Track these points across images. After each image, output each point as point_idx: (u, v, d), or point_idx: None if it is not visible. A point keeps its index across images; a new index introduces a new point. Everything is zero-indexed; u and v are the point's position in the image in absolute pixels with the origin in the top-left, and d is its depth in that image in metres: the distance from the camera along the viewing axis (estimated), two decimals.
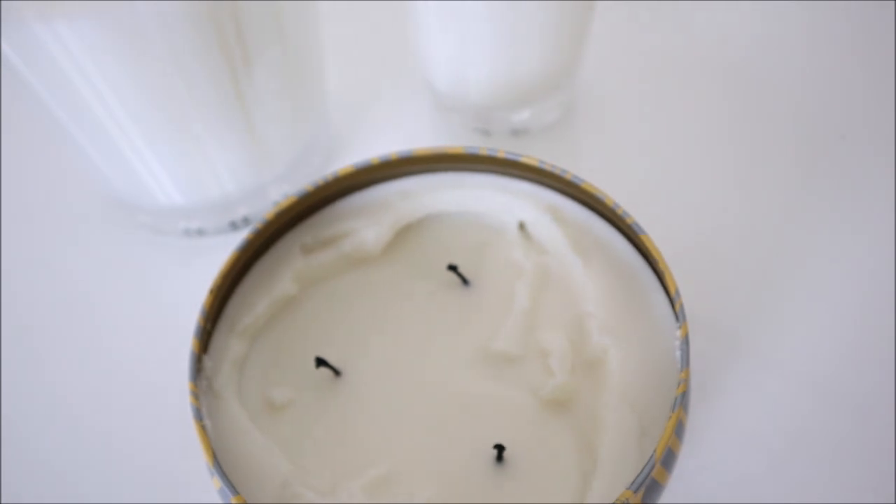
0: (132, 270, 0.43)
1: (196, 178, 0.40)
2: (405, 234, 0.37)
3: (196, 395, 0.29)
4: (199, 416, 0.28)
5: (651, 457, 0.26)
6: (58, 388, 0.39)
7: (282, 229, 0.36)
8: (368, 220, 0.36)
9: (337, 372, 0.33)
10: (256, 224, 0.34)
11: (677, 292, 0.30)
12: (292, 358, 0.34)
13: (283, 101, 0.40)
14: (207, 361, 0.32)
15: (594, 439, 0.30)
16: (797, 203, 0.44)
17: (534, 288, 0.35)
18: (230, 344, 0.33)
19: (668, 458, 0.27)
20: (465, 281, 0.36)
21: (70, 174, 0.48)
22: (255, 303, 0.34)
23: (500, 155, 0.36)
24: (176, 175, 0.40)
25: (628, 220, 0.33)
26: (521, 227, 0.37)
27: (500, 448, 0.30)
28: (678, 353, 0.29)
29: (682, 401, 0.27)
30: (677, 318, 0.30)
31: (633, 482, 0.26)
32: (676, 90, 0.50)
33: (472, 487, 0.30)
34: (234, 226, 0.43)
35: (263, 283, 0.35)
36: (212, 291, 0.32)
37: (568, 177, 0.35)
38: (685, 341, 0.29)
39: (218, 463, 0.27)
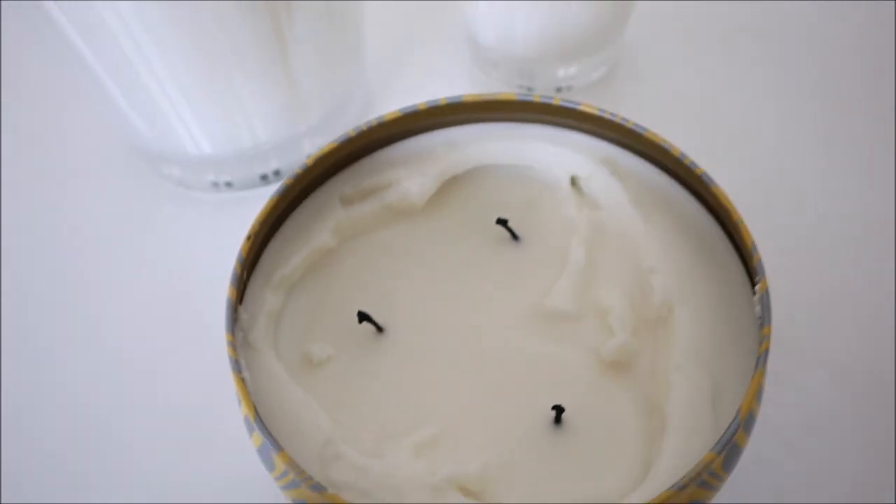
0: (157, 225, 0.42)
1: (228, 126, 0.38)
2: (450, 186, 0.35)
3: (234, 346, 0.27)
4: (237, 368, 0.26)
5: (735, 418, 0.24)
6: (80, 348, 0.38)
7: (321, 178, 0.34)
8: (412, 171, 0.34)
9: (380, 328, 0.31)
10: (296, 170, 0.32)
11: (754, 246, 0.28)
12: (331, 313, 0.32)
13: (321, 50, 0.38)
14: (243, 313, 0.30)
15: (661, 402, 0.28)
16: (860, 155, 0.42)
17: (589, 244, 0.33)
18: (265, 296, 0.31)
19: (749, 422, 0.25)
20: (514, 236, 0.33)
21: (93, 122, 0.45)
22: (291, 254, 0.32)
23: (556, 102, 0.34)
24: (207, 123, 0.37)
25: (697, 171, 0.31)
26: (574, 182, 0.34)
27: (558, 409, 0.28)
28: (758, 309, 0.27)
29: (764, 359, 0.25)
30: (756, 273, 0.27)
31: (717, 444, 0.24)
32: (723, 48, 0.48)
33: (528, 451, 0.28)
34: (264, 179, 0.41)
35: (301, 235, 0.33)
36: (249, 237, 0.29)
37: (629, 125, 0.32)
38: (766, 296, 0.27)
39: (259, 418, 0.25)
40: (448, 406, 0.29)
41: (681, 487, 0.23)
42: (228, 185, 0.41)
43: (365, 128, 0.33)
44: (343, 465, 0.27)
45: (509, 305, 0.31)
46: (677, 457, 0.26)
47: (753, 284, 0.28)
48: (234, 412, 0.29)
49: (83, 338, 0.38)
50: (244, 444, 0.29)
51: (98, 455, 0.35)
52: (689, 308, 0.29)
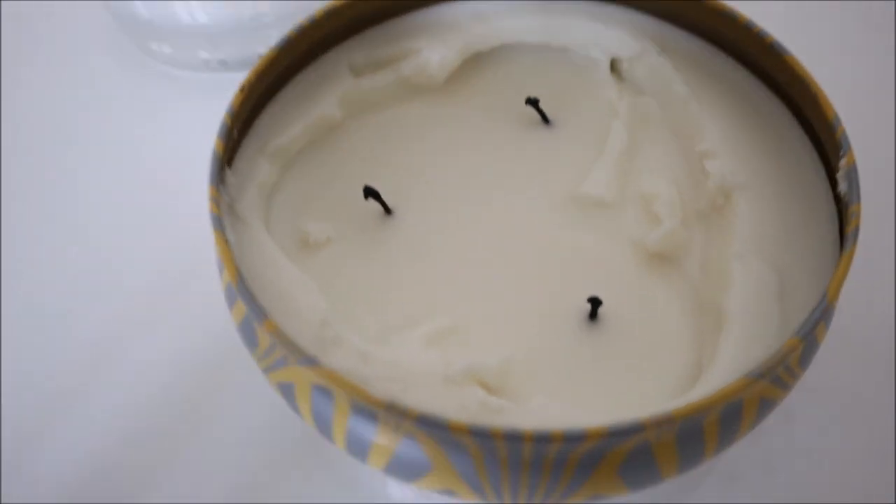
0: (144, 107, 0.37)
1: None
2: (475, 63, 0.31)
3: (217, 202, 0.23)
4: (220, 226, 0.22)
5: (822, 300, 0.20)
6: (58, 233, 0.34)
7: (329, 40, 0.30)
8: (433, 41, 0.30)
9: (388, 209, 0.27)
10: (301, 22, 0.27)
11: (837, 117, 0.24)
12: (333, 192, 0.28)
13: None
14: (231, 177, 0.25)
15: (717, 298, 0.24)
16: None
17: (632, 128, 0.29)
18: (259, 164, 0.27)
19: (830, 312, 0.21)
20: (545, 119, 0.29)
21: None
22: (290, 123, 0.28)
23: None
24: None
25: (767, 40, 0.26)
26: (614, 66, 0.30)
27: (594, 302, 0.24)
28: (844, 186, 0.23)
29: (855, 237, 0.21)
30: (840, 146, 0.23)
31: (800, 329, 0.19)
32: None
33: (558, 347, 0.24)
34: None
35: (303, 103, 0.29)
36: (242, 89, 0.25)
37: None
38: (853, 170, 0.22)
39: (243, 282, 0.21)
40: (466, 296, 0.25)
41: (758, 375, 0.19)
42: (223, 63, 0.37)
43: None
44: (342, 351, 0.23)
45: (539, 192, 0.28)
46: (735, 357, 0.22)
47: (830, 165, 0.24)
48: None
49: (64, 225, 0.35)
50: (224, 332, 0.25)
51: (66, 335, 0.31)
52: (749, 194, 0.26)
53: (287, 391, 0.21)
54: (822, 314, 0.20)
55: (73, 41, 0.40)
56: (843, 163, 0.23)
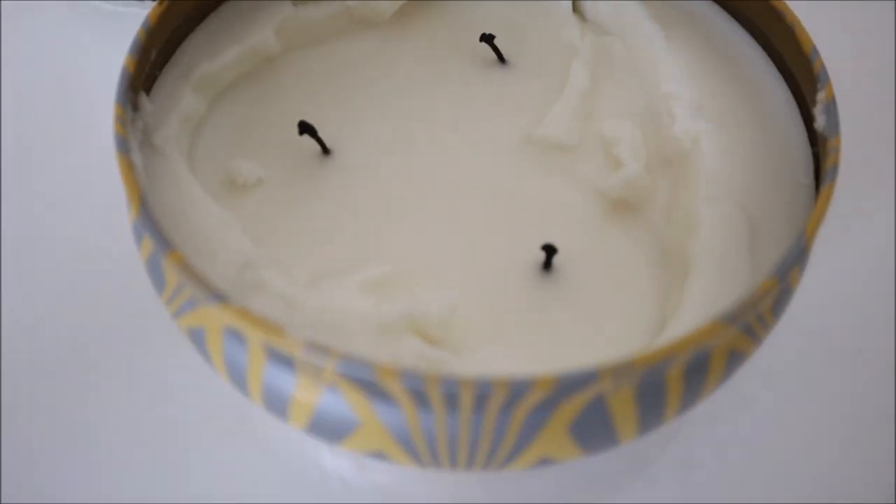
0: (41, 47, 0.34)
1: None
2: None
3: (122, 122, 0.20)
4: (124, 149, 0.19)
5: (798, 239, 0.18)
6: None
7: None
8: None
9: (326, 149, 0.24)
10: None
11: (815, 49, 0.22)
12: (267, 129, 0.25)
13: None
14: (147, 105, 0.23)
15: (682, 246, 0.22)
16: None
17: (594, 68, 0.27)
18: (183, 94, 0.24)
19: (804, 256, 0.19)
20: (501, 58, 0.27)
21: None
22: (221, 51, 0.26)
23: None
24: None
25: None
26: (575, 7, 0.28)
27: (549, 250, 0.21)
28: (822, 120, 0.21)
29: (833, 174, 0.19)
30: (818, 79, 0.21)
31: (776, 270, 0.17)
32: None
33: (510, 297, 0.22)
34: None
35: (235, 30, 0.26)
36: (161, 1, 0.22)
37: None
38: (833, 104, 0.20)
39: (148, 213, 0.18)
40: (409, 244, 0.23)
41: (731, 320, 0.16)
42: None
43: None
44: (264, 296, 0.20)
45: (493, 134, 0.26)
46: (701, 309, 0.20)
47: (805, 104, 0.23)
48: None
49: None
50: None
51: None
52: (718, 137, 0.24)
53: (197, 337, 0.19)
54: (798, 255, 0.18)
55: None
56: (821, 96, 0.21)
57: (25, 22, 0.36)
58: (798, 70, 0.23)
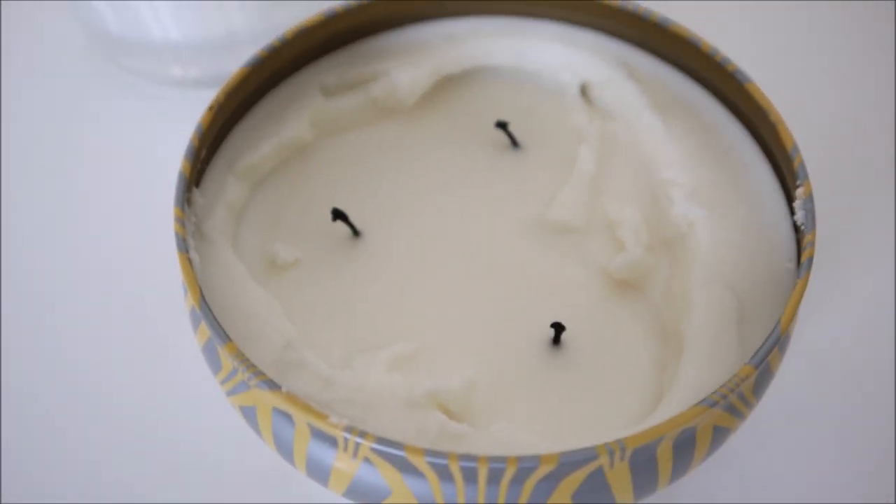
0: (114, 124, 0.37)
1: (200, 6, 0.33)
2: (445, 86, 0.31)
3: (182, 222, 0.23)
4: (183, 248, 0.22)
5: (774, 329, 0.20)
6: (31, 250, 0.34)
7: (301, 59, 0.30)
8: (404, 63, 0.30)
9: (356, 231, 0.27)
10: (273, 41, 0.27)
11: (795, 147, 0.24)
12: (302, 213, 0.28)
13: None
14: (199, 198, 0.26)
15: (678, 325, 0.24)
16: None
17: (599, 153, 0.29)
18: (227, 184, 0.27)
19: (785, 340, 0.21)
20: (515, 142, 0.30)
21: (47, 9, 0.41)
22: (260, 142, 0.28)
23: None
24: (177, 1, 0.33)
25: (729, 68, 0.27)
26: (584, 92, 0.30)
27: (558, 328, 0.24)
28: (801, 214, 0.23)
29: (808, 266, 0.21)
30: (797, 176, 0.24)
31: (754, 357, 0.20)
32: None
33: (522, 372, 0.24)
34: None
35: (273, 122, 0.29)
36: (211, 108, 0.25)
37: (654, 18, 0.28)
38: (809, 200, 0.23)
39: (206, 305, 0.21)
40: (431, 321, 0.25)
41: (711, 404, 0.19)
42: (196, 81, 0.37)
43: (355, 5, 0.29)
44: (304, 375, 0.23)
45: (507, 216, 0.28)
46: (695, 382, 0.22)
47: (789, 193, 0.25)
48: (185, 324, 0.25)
49: (32, 237, 0.34)
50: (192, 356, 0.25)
51: (32, 351, 0.31)
52: (712, 222, 0.26)
53: (249, 414, 0.21)
54: (775, 343, 0.20)
55: (43, 52, 0.40)
56: (799, 192, 0.24)
57: (73, 99, 0.39)
58: (782, 164, 0.25)
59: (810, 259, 0.21)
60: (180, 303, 0.26)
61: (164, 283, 0.29)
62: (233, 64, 0.35)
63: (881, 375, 0.30)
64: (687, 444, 0.20)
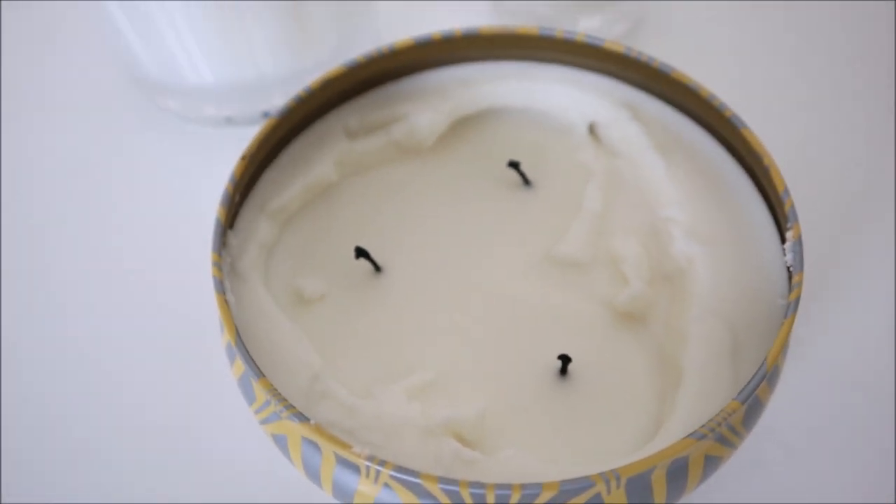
0: (153, 159, 0.40)
1: (232, 53, 0.36)
2: (461, 126, 0.33)
3: (219, 267, 0.25)
4: (221, 290, 0.24)
5: (761, 365, 0.22)
6: (73, 280, 0.36)
7: (325, 106, 0.32)
8: (422, 106, 0.32)
9: (378, 267, 0.29)
10: (299, 92, 0.30)
11: (786, 190, 0.26)
12: (327, 249, 0.30)
13: None
14: (232, 239, 0.28)
15: (677, 356, 0.26)
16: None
17: (605, 191, 0.31)
18: (259, 224, 0.29)
19: (774, 375, 0.23)
20: (526, 181, 0.31)
21: (89, 49, 0.44)
22: (289, 184, 0.30)
23: (580, 39, 0.31)
24: (210, 48, 0.35)
25: (726, 113, 0.29)
26: (592, 129, 0.32)
27: (565, 359, 0.26)
28: (790, 256, 0.25)
29: (795, 307, 0.23)
30: (788, 219, 0.25)
31: (741, 392, 0.21)
32: (754, 5, 0.45)
33: (531, 401, 0.26)
34: (266, 116, 0.39)
35: (300, 165, 0.31)
36: (244, 158, 0.27)
37: (656, 65, 0.30)
38: (798, 243, 0.25)
39: (241, 343, 0.23)
40: (447, 352, 0.27)
41: (699, 437, 0.21)
42: (228, 120, 0.39)
43: (376, 54, 0.31)
44: (330, 404, 0.25)
45: (518, 251, 0.30)
46: (691, 413, 0.24)
47: (783, 231, 0.26)
48: (219, 353, 0.27)
49: (76, 269, 0.36)
50: (227, 385, 0.28)
51: (77, 382, 0.33)
52: (710, 258, 0.27)
53: (280, 442, 0.23)
54: (762, 378, 0.22)
55: (84, 92, 0.43)
56: (789, 234, 0.25)
57: (113, 135, 0.41)
58: (776, 205, 0.27)
59: (797, 300, 0.23)
60: (215, 334, 0.28)
61: (199, 311, 0.31)
62: (263, 103, 0.38)
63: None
64: (680, 471, 0.21)
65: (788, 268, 0.25)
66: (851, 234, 0.36)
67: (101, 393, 0.33)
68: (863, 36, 0.44)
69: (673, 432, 0.23)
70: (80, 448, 0.32)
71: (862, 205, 0.37)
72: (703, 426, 0.21)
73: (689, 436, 0.21)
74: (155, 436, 0.32)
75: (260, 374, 0.22)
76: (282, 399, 0.22)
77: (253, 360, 0.23)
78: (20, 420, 0.32)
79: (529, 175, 0.32)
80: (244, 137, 0.29)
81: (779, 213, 0.27)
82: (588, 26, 0.43)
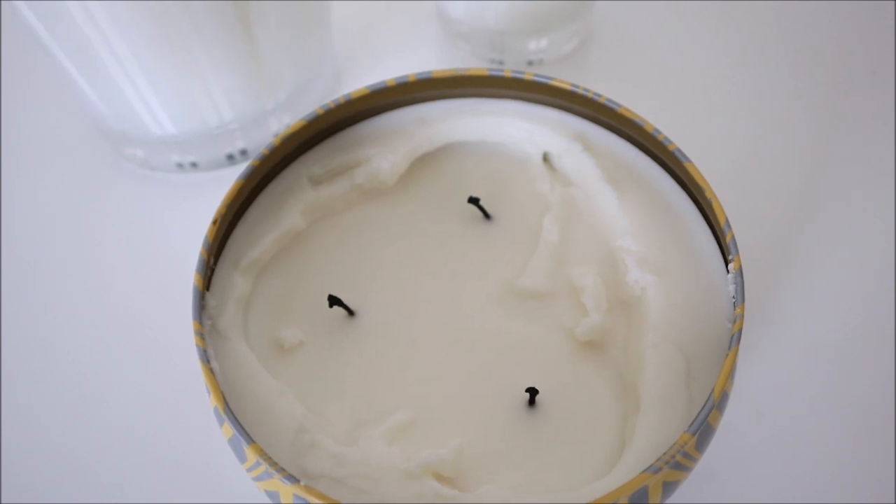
0: (120, 208, 0.41)
1: (191, 104, 0.37)
2: (421, 164, 0.35)
3: (201, 335, 0.26)
4: (205, 359, 0.26)
5: (709, 397, 0.24)
6: (48, 331, 0.37)
7: (289, 157, 0.33)
8: (382, 149, 0.34)
9: (351, 312, 0.30)
10: (263, 150, 0.31)
11: (727, 223, 0.28)
12: (301, 297, 0.31)
13: (287, 23, 0.37)
14: (210, 300, 0.29)
15: (636, 381, 0.28)
16: (825, 136, 0.42)
17: (562, 221, 0.32)
18: (234, 281, 0.30)
19: (722, 401, 0.25)
20: (486, 215, 0.33)
21: (51, 102, 0.44)
22: (260, 237, 0.31)
23: (528, 77, 0.33)
24: (169, 101, 0.36)
25: (670, 147, 0.30)
26: (546, 158, 0.34)
27: (532, 391, 0.28)
28: (732, 288, 0.27)
29: (738, 339, 0.25)
30: (729, 251, 0.27)
31: (692, 424, 0.23)
32: (695, 21, 0.47)
33: (504, 433, 0.28)
34: (231, 159, 0.40)
35: (269, 217, 0.32)
36: (215, 221, 0.29)
37: (602, 101, 0.32)
38: (739, 274, 0.26)
39: (229, 409, 0.25)
40: (421, 390, 0.29)
41: (655, 470, 0.23)
42: (194, 165, 0.40)
43: (333, 105, 0.32)
44: (317, 454, 0.26)
45: (482, 285, 0.31)
46: (651, 436, 0.26)
47: (727, 262, 0.28)
48: (205, 401, 0.28)
49: (46, 321, 0.37)
50: (216, 433, 0.29)
51: (66, 447, 0.34)
52: (662, 286, 0.29)
53: (273, 496, 0.25)
54: (711, 408, 0.24)
55: (48, 142, 0.43)
56: (731, 266, 0.27)
57: (77, 185, 0.42)
58: (719, 236, 0.29)
59: (739, 331, 0.25)
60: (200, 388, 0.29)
61: (176, 360, 0.32)
62: (227, 146, 0.39)
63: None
64: (641, 498, 0.23)
65: (731, 299, 0.27)
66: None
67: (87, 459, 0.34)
68: (805, 59, 0.46)
69: (635, 457, 0.25)
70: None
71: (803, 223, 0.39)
72: (658, 459, 0.23)
73: (646, 470, 0.23)
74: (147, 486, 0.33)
75: (250, 440, 0.24)
76: (272, 462, 0.23)
77: (241, 425, 0.24)
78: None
79: (489, 207, 0.33)
80: (210, 180, 0.30)
81: (722, 244, 0.28)
82: (537, 47, 0.45)
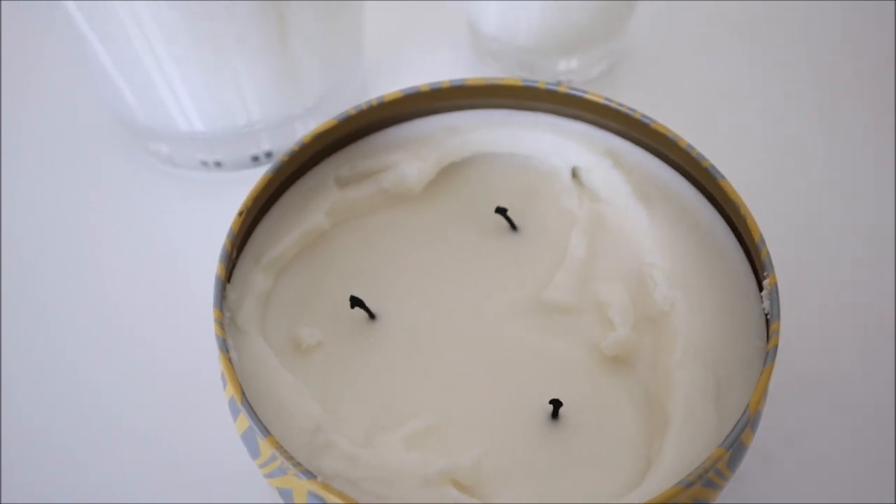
0: (143, 204, 0.40)
1: (221, 102, 0.37)
2: (449, 173, 0.34)
3: (221, 324, 0.26)
4: (224, 348, 0.25)
5: (744, 413, 0.23)
6: (65, 329, 0.36)
7: (317, 157, 0.33)
8: (411, 155, 0.33)
9: (372, 315, 0.30)
10: (292, 147, 0.31)
11: (762, 239, 0.27)
12: (322, 297, 0.31)
13: (321, 29, 0.37)
14: (231, 293, 0.28)
15: (662, 399, 0.27)
16: (858, 157, 0.41)
17: (589, 236, 0.32)
18: (255, 277, 0.30)
19: (756, 419, 0.24)
20: (513, 226, 0.32)
21: (79, 94, 0.44)
22: (283, 235, 0.31)
23: (561, 90, 0.33)
24: (201, 97, 0.36)
25: (704, 164, 0.30)
26: (575, 173, 0.34)
27: (556, 403, 0.27)
28: (767, 304, 0.26)
29: (773, 356, 0.24)
30: (764, 267, 0.27)
31: (725, 441, 0.23)
32: (727, 44, 0.47)
33: (524, 445, 0.27)
34: (255, 160, 0.40)
35: (293, 215, 0.32)
36: (241, 213, 0.28)
37: (637, 116, 0.32)
38: (774, 291, 0.26)
39: (247, 400, 0.24)
40: (441, 397, 0.28)
41: (688, 485, 0.22)
42: (218, 164, 0.40)
43: (365, 107, 0.32)
44: (333, 455, 0.25)
45: (507, 297, 0.31)
46: (678, 455, 0.25)
47: (760, 280, 0.28)
48: (220, 398, 0.28)
49: (64, 318, 0.37)
50: (229, 432, 0.28)
51: (82, 437, 0.34)
52: (691, 303, 0.29)
53: (286, 494, 0.24)
54: (745, 425, 0.23)
55: (74, 136, 0.43)
56: (766, 283, 0.27)
57: (103, 180, 0.42)
58: (753, 253, 0.28)
59: (775, 347, 0.24)
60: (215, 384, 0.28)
61: (195, 355, 0.32)
62: (252, 148, 0.39)
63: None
64: None
65: (766, 315, 0.27)
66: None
67: (102, 450, 0.33)
68: (837, 80, 0.46)
69: (662, 475, 0.25)
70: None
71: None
72: (690, 473, 0.22)
73: (678, 483, 0.22)
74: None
75: (266, 433, 0.23)
76: (287, 456, 0.23)
77: (257, 416, 0.24)
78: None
79: (516, 220, 0.33)
80: (233, 181, 0.30)
81: (756, 262, 0.28)
82: (567, 67, 0.45)
